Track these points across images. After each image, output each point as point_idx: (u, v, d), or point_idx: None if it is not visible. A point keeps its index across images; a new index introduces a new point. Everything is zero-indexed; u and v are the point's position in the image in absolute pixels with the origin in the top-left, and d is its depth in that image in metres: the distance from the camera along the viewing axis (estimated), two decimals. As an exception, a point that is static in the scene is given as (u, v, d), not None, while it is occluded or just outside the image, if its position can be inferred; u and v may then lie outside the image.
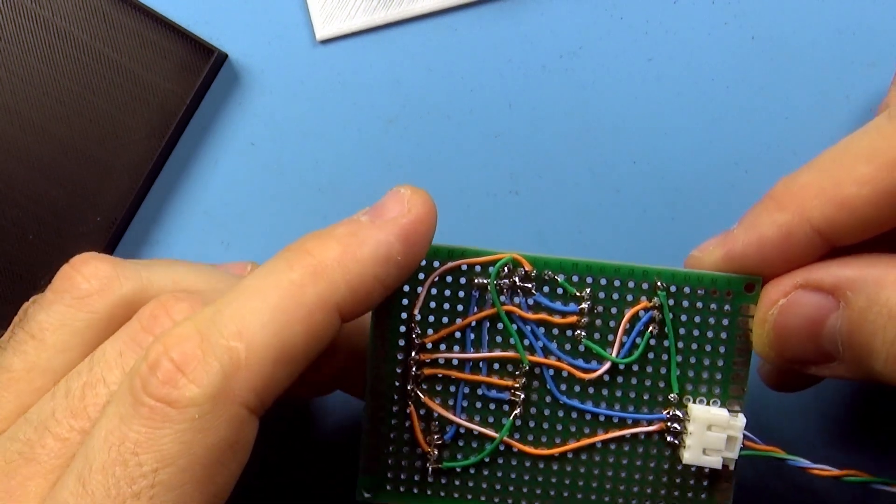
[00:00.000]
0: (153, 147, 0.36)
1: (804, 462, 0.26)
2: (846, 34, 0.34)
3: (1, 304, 0.36)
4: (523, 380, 0.27)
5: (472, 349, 0.27)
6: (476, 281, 0.27)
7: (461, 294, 0.27)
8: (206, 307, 0.24)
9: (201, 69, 0.36)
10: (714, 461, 0.26)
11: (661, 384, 0.27)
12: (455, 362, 0.28)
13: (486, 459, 0.27)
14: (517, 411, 0.27)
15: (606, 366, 0.27)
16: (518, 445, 0.27)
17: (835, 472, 0.26)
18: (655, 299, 0.27)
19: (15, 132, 0.36)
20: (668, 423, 0.27)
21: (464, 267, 0.27)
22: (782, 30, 0.34)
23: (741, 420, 0.26)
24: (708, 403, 0.27)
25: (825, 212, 0.25)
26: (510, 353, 0.27)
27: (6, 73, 0.36)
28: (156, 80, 0.36)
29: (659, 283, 0.27)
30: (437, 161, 0.36)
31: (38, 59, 0.36)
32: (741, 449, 0.26)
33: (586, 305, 0.27)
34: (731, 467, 0.27)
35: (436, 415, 0.28)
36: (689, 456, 0.26)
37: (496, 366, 0.27)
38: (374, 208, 0.26)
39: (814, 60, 0.34)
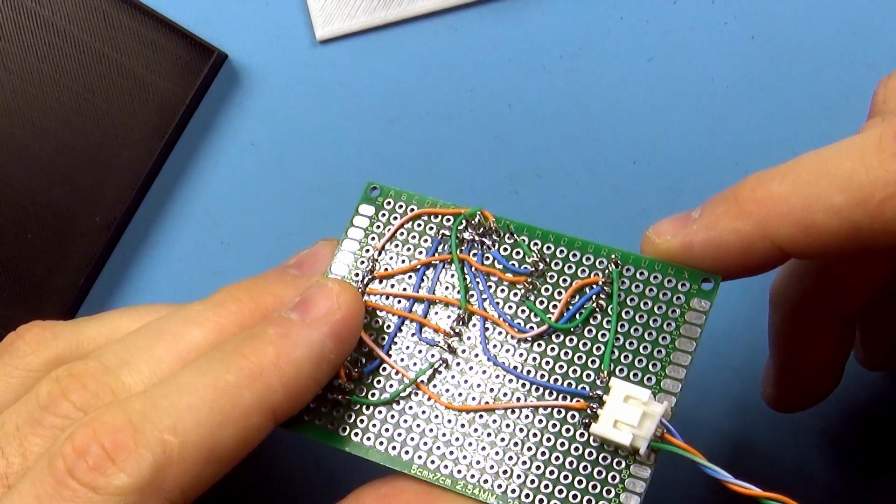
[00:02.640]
0: (153, 147, 0.36)
1: (722, 474, 0.24)
2: (846, 34, 0.34)
3: (1, 305, 0.36)
4: (457, 328, 0.27)
5: (418, 291, 0.28)
6: (442, 231, 0.28)
7: (425, 242, 0.28)
8: (139, 396, 0.24)
9: (201, 69, 0.36)
10: (623, 436, 0.24)
11: (594, 362, 0.26)
12: (400, 303, 0.28)
13: (397, 403, 0.27)
14: (440, 357, 0.27)
15: (542, 328, 0.27)
16: (431, 394, 0.27)
17: (756, 491, 0.23)
18: (608, 273, 0.27)
19: (15, 132, 0.36)
20: (590, 403, 0.26)
21: (435, 218, 0.28)
22: (782, 30, 0.34)
23: (664, 405, 0.25)
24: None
25: (789, 232, 0.24)
26: (451, 299, 0.27)
27: (6, 73, 0.36)
28: (156, 80, 0.36)
29: (615, 259, 0.27)
30: (437, 161, 0.36)
31: (38, 58, 0.36)
32: (656, 439, 0.24)
33: (539, 268, 0.27)
34: (642, 450, 0.24)
35: (365, 349, 0.27)
36: (598, 426, 0.25)
37: (436, 313, 0.28)
38: (302, 303, 0.26)
39: (814, 60, 0.34)
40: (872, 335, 0.31)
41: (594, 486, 0.25)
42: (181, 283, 0.36)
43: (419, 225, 0.29)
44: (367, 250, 0.29)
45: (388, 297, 0.28)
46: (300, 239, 0.36)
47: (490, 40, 0.36)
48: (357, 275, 0.28)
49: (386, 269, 0.28)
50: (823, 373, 0.30)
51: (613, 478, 0.25)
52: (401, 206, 0.29)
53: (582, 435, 0.26)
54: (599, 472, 0.25)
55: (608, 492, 0.25)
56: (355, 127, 0.36)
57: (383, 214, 0.29)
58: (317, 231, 0.36)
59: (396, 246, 0.29)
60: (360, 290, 0.28)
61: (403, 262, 0.28)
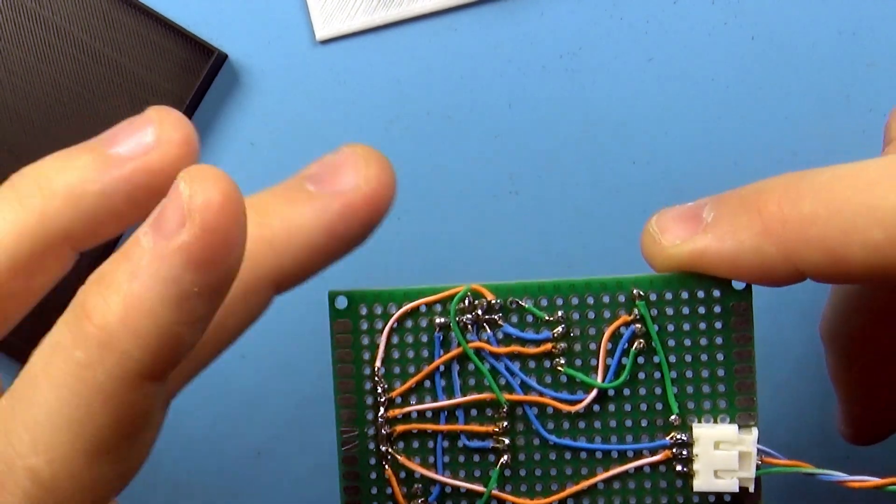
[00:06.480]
0: (153, 147, 0.36)
1: (838, 475, 0.22)
2: (846, 34, 0.34)
3: (1, 304, 0.36)
4: (505, 423, 0.25)
5: (444, 397, 0.25)
6: (437, 321, 0.25)
7: (424, 338, 0.25)
8: None
9: (201, 69, 0.36)
10: (729, 484, 0.23)
11: (659, 406, 0.24)
12: (429, 414, 0.25)
13: None
14: (503, 459, 0.25)
15: (593, 394, 0.24)
16: (510, 498, 0.25)
17: (875, 481, 0.22)
18: (635, 311, 0.24)
19: (15, 132, 0.36)
20: (674, 450, 0.24)
21: (422, 308, 0.25)
22: (782, 30, 0.34)
23: (753, 433, 0.23)
24: (715, 421, 0.24)
25: (816, 260, 0.22)
26: (486, 395, 0.25)
27: (6, 73, 0.36)
28: (156, 80, 0.36)
29: (636, 293, 0.24)
30: (437, 161, 0.36)
31: (38, 58, 0.36)
32: (759, 467, 0.23)
33: (560, 329, 0.24)
34: (752, 489, 0.23)
35: (417, 475, 0.25)
36: (700, 482, 0.24)
37: (474, 412, 0.25)
38: (155, 218, 0.19)
39: (814, 60, 0.34)
40: None
41: None
42: (181, 283, 0.36)
43: (409, 323, 0.25)
44: (366, 370, 0.25)
45: (417, 414, 0.25)
46: (300, 239, 0.36)
47: (490, 40, 0.36)
48: (370, 402, 0.25)
49: (391, 385, 0.25)
50: (890, 405, 0.29)
51: None
52: (378, 308, 0.25)
53: (679, 485, 0.24)
54: None
55: None
56: (355, 127, 0.36)
57: (364, 324, 0.25)
58: (317, 231, 0.36)
59: (395, 354, 0.25)
60: (383, 415, 0.25)
61: (411, 369, 0.25)
